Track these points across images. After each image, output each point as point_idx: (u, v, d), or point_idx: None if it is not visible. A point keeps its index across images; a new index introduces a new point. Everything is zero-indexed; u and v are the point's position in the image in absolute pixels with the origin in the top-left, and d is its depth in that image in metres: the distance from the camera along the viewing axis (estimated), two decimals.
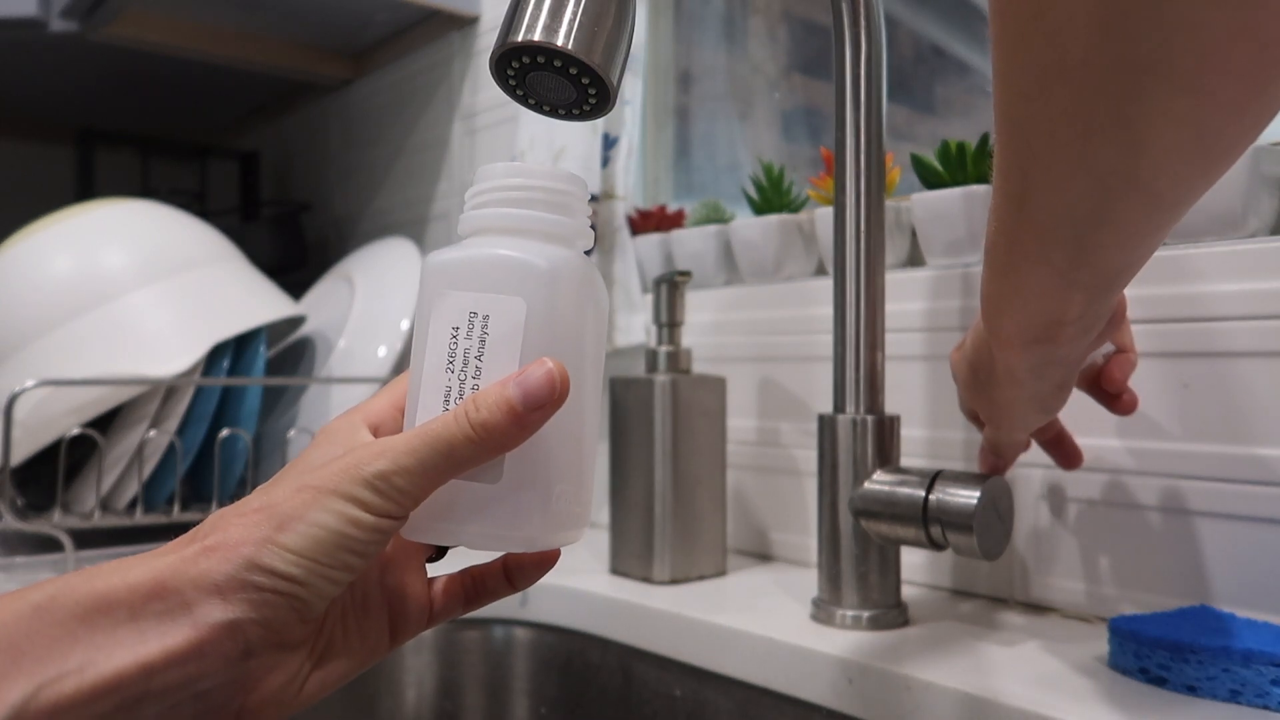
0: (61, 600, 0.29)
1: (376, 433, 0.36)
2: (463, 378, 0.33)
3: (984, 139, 0.64)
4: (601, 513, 0.86)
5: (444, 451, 0.31)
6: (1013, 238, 0.36)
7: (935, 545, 0.54)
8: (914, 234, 0.70)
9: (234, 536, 0.30)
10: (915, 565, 0.68)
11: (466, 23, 1.15)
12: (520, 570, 0.39)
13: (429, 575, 0.39)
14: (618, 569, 0.73)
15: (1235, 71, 0.27)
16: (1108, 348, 0.53)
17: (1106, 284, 0.38)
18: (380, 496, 0.31)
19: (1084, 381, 0.54)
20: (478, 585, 0.39)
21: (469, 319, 0.34)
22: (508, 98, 0.41)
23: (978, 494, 0.52)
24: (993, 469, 0.56)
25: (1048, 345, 0.41)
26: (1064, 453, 0.57)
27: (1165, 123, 0.28)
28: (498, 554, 0.39)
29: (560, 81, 0.40)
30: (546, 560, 0.38)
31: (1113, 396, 0.54)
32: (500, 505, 0.33)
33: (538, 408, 0.32)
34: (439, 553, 0.39)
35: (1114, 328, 0.48)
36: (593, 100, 0.40)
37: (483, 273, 0.34)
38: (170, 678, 0.29)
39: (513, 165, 0.35)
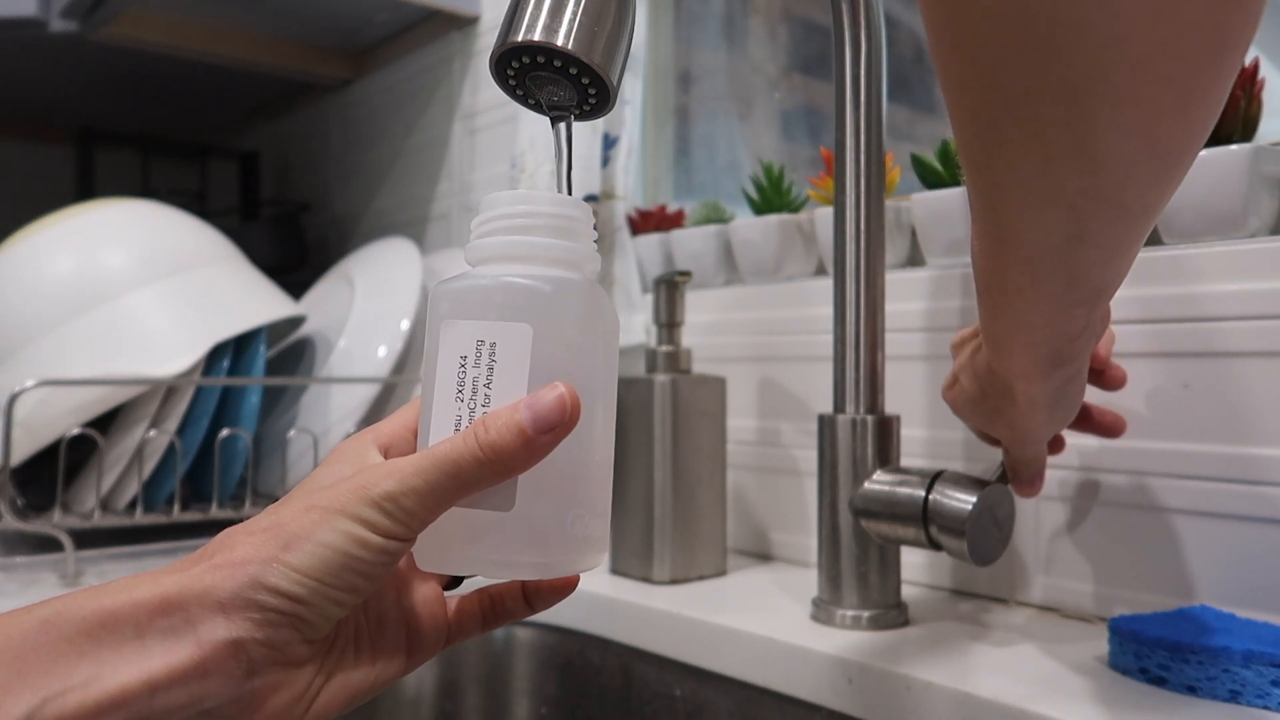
0: (68, 615, 0.29)
1: (387, 454, 0.36)
2: (472, 405, 0.33)
3: None
4: None
5: (451, 472, 0.31)
6: (1002, 275, 0.37)
7: (935, 546, 0.54)
8: (914, 234, 0.70)
9: (240, 555, 0.30)
10: (915, 565, 0.68)
11: (466, 23, 1.15)
12: (538, 593, 0.38)
13: (446, 595, 0.39)
14: (618, 569, 0.73)
15: (1168, 79, 0.27)
16: None
17: (1102, 294, 0.38)
18: (388, 518, 0.31)
19: None
20: (496, 606, 0.39)
21: (476, 347, 0.34)
22: (508, 98, 0.41)
23: (974, 499, 0.52)
24: (1028, 490, 0.55)
25: (1065, 365, 0.42)
26: (1099, 424, 0.54)
27: (1117, 137, 0.29)
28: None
29: (560, 81, 0.40)
30: (565, 585, 0.38)
31: (1098, 373, 0.53)
32: (514, 532, 0.33)
33: (548, 430, 0.32)
34: (454, 581, 0.39)
35: (1107, 317, 0.49)
36: (593, 100, 0.40)
37: (489, 300, 0.34)
38: (174, 697, 0.29)
39: (518, 193, 0.35)
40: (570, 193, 0.38)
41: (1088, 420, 0.55)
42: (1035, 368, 0.42)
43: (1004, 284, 0.37)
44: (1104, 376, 0.53)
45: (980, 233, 0.36)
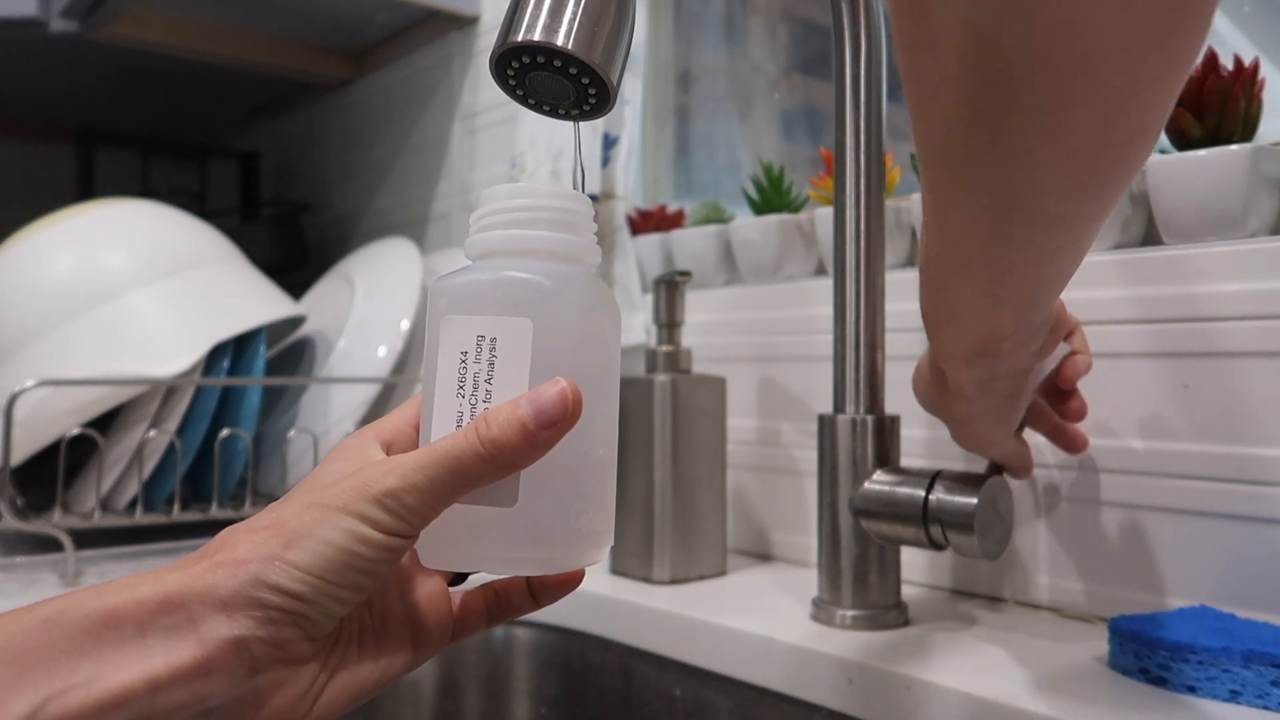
0: (70, 614, 0.29)
1: (389, 450, 0.36)
2: (473, 401, 0.33)
3: None
4: None
5: (453, 468, 0.31)
6: (939, 254, 0.37)
7: (935, 545, 0.54)
8: (914, 234, 0.70)
9: (242, 553, 0.30)
10: (915, 565, 0.68)
11: (466, 23, 1.15)
12: (544, 588, 0.38)
13: (450, 591, 0.39)
14: (618, 569, 0.73)
15: (1082, 95, 0.28)
16: (1062, 348, 0.53)
17: (1031, 299, 0.38)
18: (389, 514, 0.31)
19: (1039, 387, 0.54)
20: (501, 600, 0.39)
21: (477, 342, 0.33)
22: (508, 98, 0.41)
23: (978, 494, 0.52)
24: (1020, 475, 0.56)
25: (988, 360, 0.42)
26: (1065, 439, 0.57)
27: (1036, 139, 0.29)
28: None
29: (560, 81, 0.40)
30: (570, 580, 0.38)
31: (1064, 396, 0.54)
32: (516, 528, 0.33)
33: (549, 425, 0.32)
34: (459, 576, 0.39)
35: (1059, 334, 0.49)
36: (593, 100, 0.40)
37: (489, 295, 0.34)
38: (177, 696, 0.29)
39: (517, 186, 0.35)
40: (584, 190, 0.38)
41: (1060, 435, 0.56)
42: (959, 353, 0.42)
43: (940, 263, 0.38)
44: (1065, 405, 0.55)
45: (924, 206, 0.37)
